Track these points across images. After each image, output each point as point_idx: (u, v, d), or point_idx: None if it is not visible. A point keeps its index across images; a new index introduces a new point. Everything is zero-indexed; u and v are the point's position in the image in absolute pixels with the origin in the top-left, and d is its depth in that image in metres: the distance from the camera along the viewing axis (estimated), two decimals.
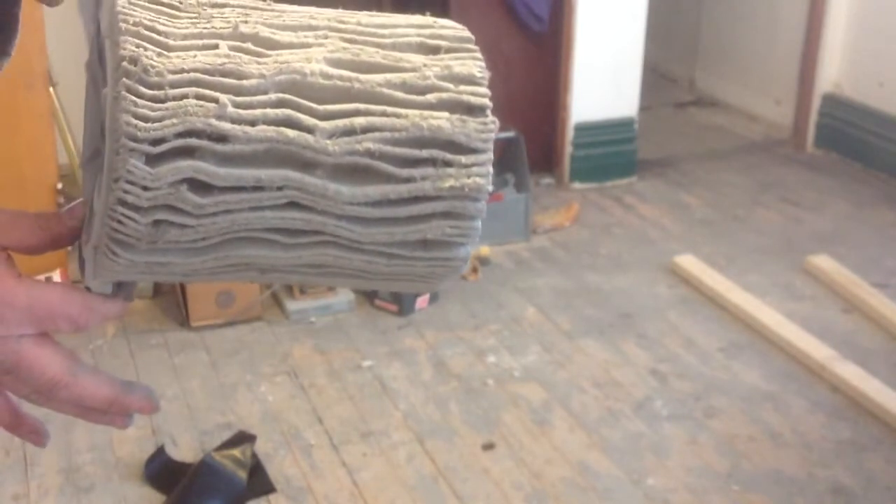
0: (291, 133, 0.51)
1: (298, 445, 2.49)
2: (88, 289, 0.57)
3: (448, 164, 0.53)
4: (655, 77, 5.45)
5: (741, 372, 2.83)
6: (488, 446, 2.50)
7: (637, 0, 4.00)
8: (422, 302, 3.14)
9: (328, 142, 0.52)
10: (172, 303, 3.15)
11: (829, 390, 2.73)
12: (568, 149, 4.14)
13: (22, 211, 0.58)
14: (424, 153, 0.53)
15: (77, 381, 0.57)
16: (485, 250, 3.50)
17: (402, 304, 3.10)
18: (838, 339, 2.96)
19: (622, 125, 4.16)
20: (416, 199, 0.54)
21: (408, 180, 0.53)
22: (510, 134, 3.62)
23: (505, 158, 3.72)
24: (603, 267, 3.48)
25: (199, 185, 0.51)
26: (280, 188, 0.52)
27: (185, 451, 2.46)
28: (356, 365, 2.85)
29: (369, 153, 0.52)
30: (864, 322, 3.09)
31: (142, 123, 0.49)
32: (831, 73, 4.52)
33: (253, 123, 0.51)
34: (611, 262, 3.52)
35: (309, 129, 0.52)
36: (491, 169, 0.54)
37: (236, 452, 2.37)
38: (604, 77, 4.05)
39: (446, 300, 3.21)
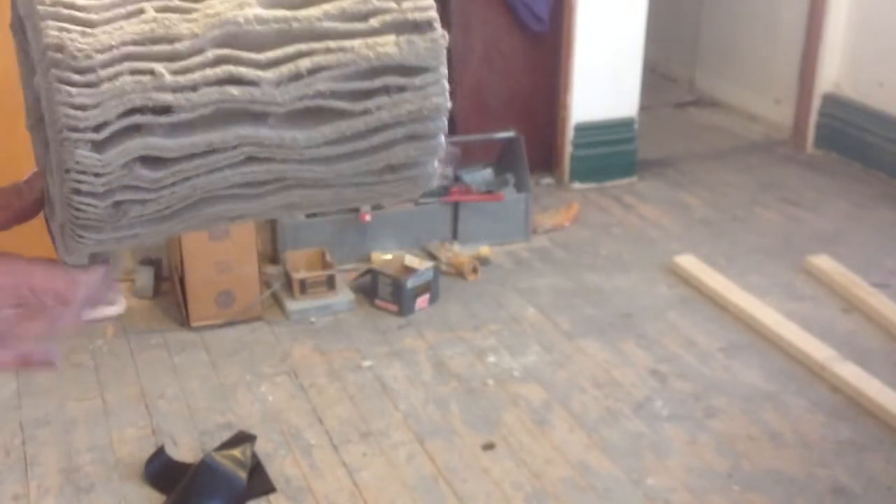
0: (236, 90, 0.49)
1: (298, 445, 2.49)
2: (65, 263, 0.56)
3: (402, 88, 0.51)
4: (655, 77, 5.45)
5: (741, 372, 2.83)
6: (488, 446, 2.50)
7: (637, 0, 4.00)
8: (422, 302, 3.14)
9: (276, 91, 0.50)
10: (172, 303, 3.15)
11: (829, 390, 2.73)
12: (568, 149, 4.14)
13: None
14: (377, 83, 0.51)
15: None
16: (485, 250, 3.50)
17: (402, 304, 3.10)
18: (838, 339, 2.96)
19: (622, 125, 4.16)
20: (375, 130, 0.52)
21: (364, 113, 0.51)
22: (510, 134, 3.62)
23: (505, 158, 3.72)
24: (603, 267, 3.48)
25: (152, 160, 0.49)
26: (235, 147, 0.50)
27: (185, 451, 2.46)
28: (356, 365, 2.85)
29: (320, 94, 0.51)
30: (864, 322, 3.09)
31: (80, 113, 0.48)
32: (831, 73, 4.52)
33: (194, 88, 0.49)
34: (611, 262, 3.52)
35: (253, 82, 0.49)
36: (447, 84, 0.52)
37: (236, 452, 2.36)
38: (604, 77, 4.05)
39: (446, 300, 3.21)
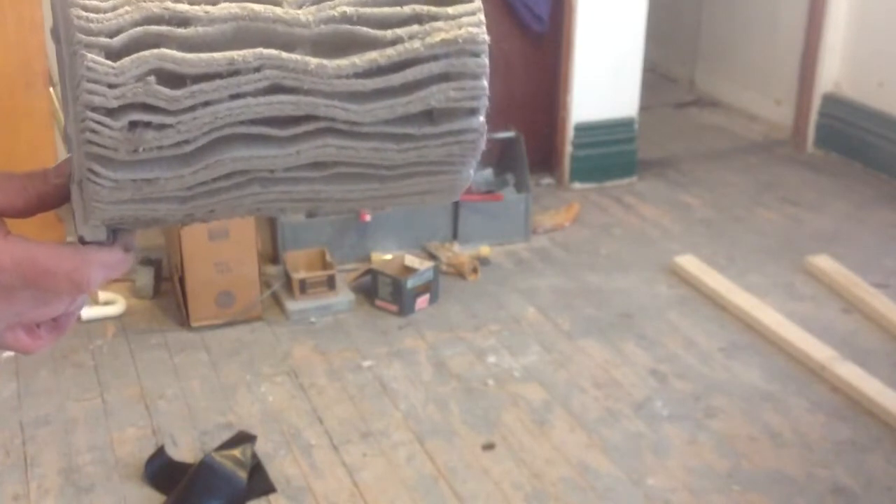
0: (258, 7, 0.47)
1: (298, 445, 2.49)
2: (83, 241, 0.53)
3: (434, 17, 0.49)
4: (655, 77, 5.45)
5: (741, 372, 2.83)
6: (488, 446, 2.50)
7: (637, 0, 4.00)
8: (422, 302, 3.14)
9: (299, 12, 0.48)
10: (172, 303, 3.15)
11: (829, 390, 2.73)
12: (568, 149, 4.14)
13: (6, 172, 0.56)
14: (406, 10, 0.49)
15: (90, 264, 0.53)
16: (485, 250, 3.51)
17: (402, 304, 3.10)
18: (838, 339, 2.96)
19: (622, 125, 4.16)
20: (408, 63, 0.49)
21: (394, 42, 0.48)
22: (510, 134, 3.62)
23: (505, 158, 3.72)
24: (603, 267, 3.48)
25: (169, 78, 0.47)
26: (258, 69, 0.47)
27: (185, 451, 2.46)
28: (356, 365, 2.85)
29: (346, 18, 0.48)
30: (864, 322, 3.09)
31: (93, 14, 0.46)
32: (831, 73, 4.52)
33: (213, 2, 0.47)
34: (611, 262, 3.52)
35: (275, 1, 0.48)
36: (483, 18, 0.49)
37: (236, 452, 2.37)
38: (604, 77, 4.05)
39: (446, 300, 3.21)
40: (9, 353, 2.86)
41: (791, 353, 2.89)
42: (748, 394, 2.72)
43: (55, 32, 0.53)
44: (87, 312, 3.02)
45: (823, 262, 3.39)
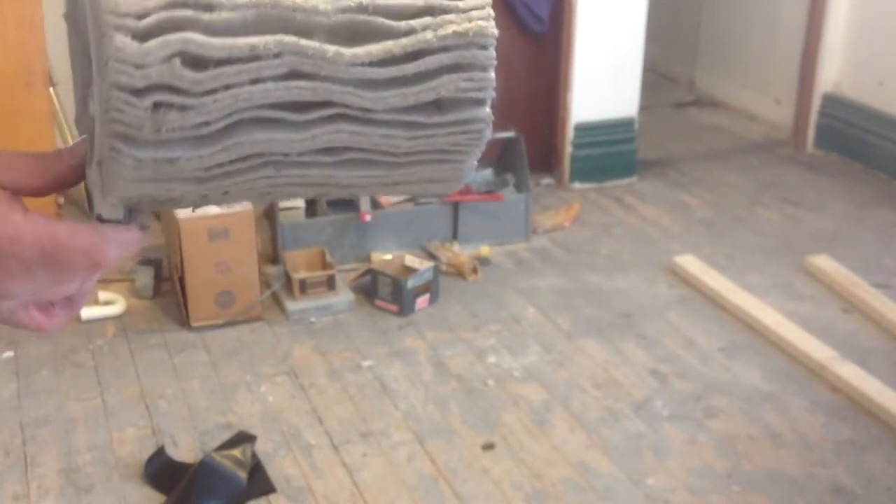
0: None
1: (298, 445, 2.49)
2: (101, 219, 0.55)
3: (445, 10, 0.51)
4: (655, 77, 5.45)
5: (741, 372, 2.83)
6: (488, 446, 2.50)
7: (637, 0, 4.00)
8: (422, 302, 3.14)
9: (318, 1, 0.50)
10: (172, 303, 3.15)
11: (829, 390, 2.73)
12: (568, 149, 4.14)
13: (22, 152, 0.57)
14: (419, 2, 0.51)
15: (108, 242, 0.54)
16: (485, 250, 3.50)
17: (402, 304, 3.10)
18: (838, 339, 2.96)
19: (622, 125, 4.16)
20: (421, 53, 0.51)
21: (408, 33, 0.51)
22: (510, 134, 3.62)
23: (505, 158, 3.72)
24: (603, 267, 3.48)
25: (193, 61, 0.49)
26: (277, 55, 0.49)
27: (185, 451, 2.46)
28: (356, 365, 2.85)
29: (362, 8, 0.50)
30: (864, 322, 3.09)
31: None
32: (831, 73, 4.52)
33: None
34: (611, 262, 3.52)
35: None
36: (492, 12, 0.52)
37: (236, 452, 2.37)
38: (604, 77, 4.05)
39: (446, 300, 3.21)
40: (9, 353, 2.86)
41: (791, 353, 2.89)
42: (748, 394, 2.72)
43: (70, 16, 0.54)
44: (87, 312, 3.02)
45: (823, 262, 3.39)
